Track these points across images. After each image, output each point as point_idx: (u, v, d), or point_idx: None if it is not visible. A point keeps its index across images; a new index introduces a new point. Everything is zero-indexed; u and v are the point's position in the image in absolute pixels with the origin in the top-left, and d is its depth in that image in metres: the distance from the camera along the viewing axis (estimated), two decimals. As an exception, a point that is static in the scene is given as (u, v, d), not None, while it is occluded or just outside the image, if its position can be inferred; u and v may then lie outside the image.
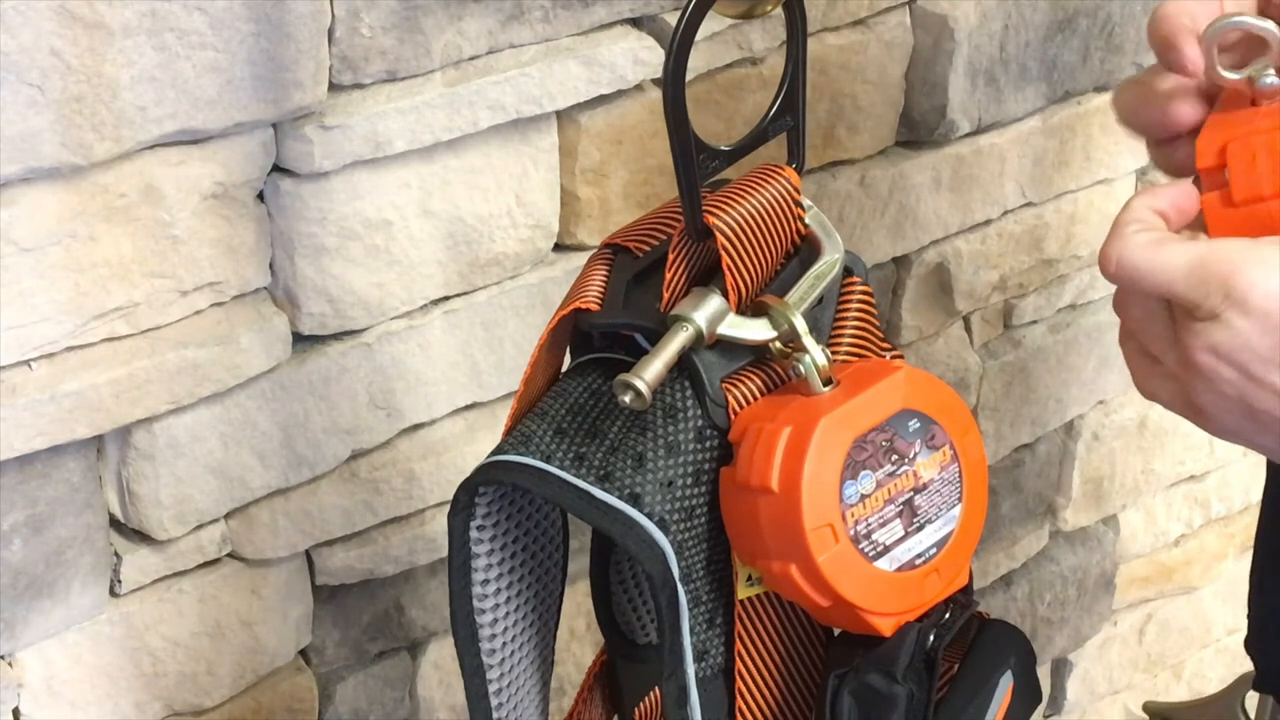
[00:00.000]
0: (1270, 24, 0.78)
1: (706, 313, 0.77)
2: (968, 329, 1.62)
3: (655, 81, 1.22)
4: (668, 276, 0.78)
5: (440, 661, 1.32)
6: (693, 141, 0.77)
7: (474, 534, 0.82)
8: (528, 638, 0.88)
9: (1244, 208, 0.77)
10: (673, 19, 1.20)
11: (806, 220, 0.83)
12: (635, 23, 1.20)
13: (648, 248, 0.82)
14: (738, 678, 0.81)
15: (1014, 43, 1.43)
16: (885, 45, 1.37)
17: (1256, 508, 2.05)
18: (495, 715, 0.87)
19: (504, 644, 0.86)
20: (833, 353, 0.83)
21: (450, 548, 0.83)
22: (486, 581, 0.84)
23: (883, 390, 0.78)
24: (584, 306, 0.79)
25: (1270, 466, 1.04)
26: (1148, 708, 1.18)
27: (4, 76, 0.92)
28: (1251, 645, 1.08)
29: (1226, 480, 1.97)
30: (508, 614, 0.86)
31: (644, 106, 1.23)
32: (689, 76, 1.22)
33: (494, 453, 0.80)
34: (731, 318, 0.78)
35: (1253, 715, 1.11)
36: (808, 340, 0.78)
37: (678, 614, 0.78)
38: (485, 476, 0.80)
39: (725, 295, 0.78)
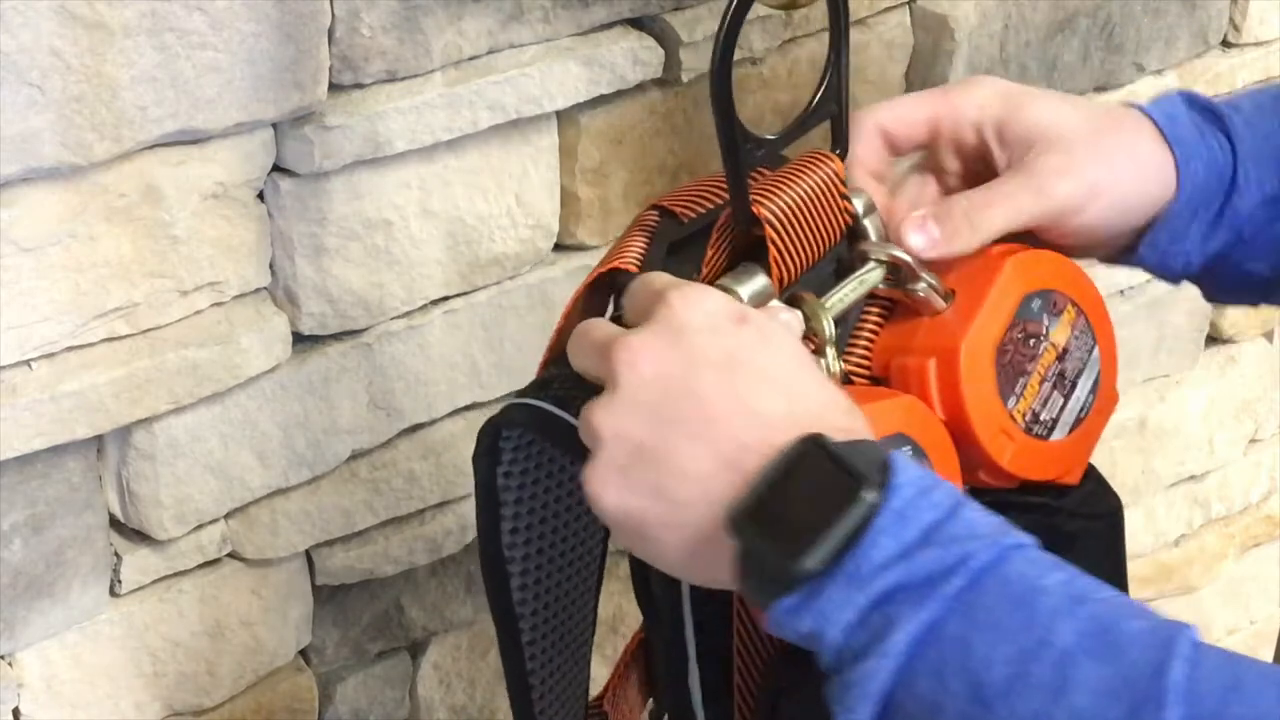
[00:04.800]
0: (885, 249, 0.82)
1: (750, 289, 0.78)
2: (968, 329, 1.61)
3: (655, 81, 1.22)
4: (709, 254, 0.79)
5: (440, 662, 1.32)
6: (738, 131, 0.77)
7: (500, 480, 0.82)
8: (564, 591, 0.87)
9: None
10: (673, 19, 1.20)
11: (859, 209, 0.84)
12: (635, 23, 1.20)
13: (693, 214, 0.83)
14: (735, 654, 0.81)
15: (1014, 43, 1.43)
16: (885, 45, 1.37)
17: (1256, 507, 2.05)
18: (528, 665, 0.86)
19: (536, 595, 0.85)
20: (852, 343, 0.83)
21: (476, 491, 0.83)
22: (515, 530, 0.83)
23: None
24: (622, 266, 0.79)
25: None
26: None
27: (4, 76, 0.92)
28: None
29: (1227, 480, 1.97)
30: (540, 565, 0.85)
31: (644, 106, 1.23)
32: (689, 76, 1.23)
33: (518, 394, 0.80)
34: (774, 303, 0.78)
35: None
36: (829, 350, 0.79)
37: (679, 582, 0.78)
38: (504, 418, 0.80)
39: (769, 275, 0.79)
